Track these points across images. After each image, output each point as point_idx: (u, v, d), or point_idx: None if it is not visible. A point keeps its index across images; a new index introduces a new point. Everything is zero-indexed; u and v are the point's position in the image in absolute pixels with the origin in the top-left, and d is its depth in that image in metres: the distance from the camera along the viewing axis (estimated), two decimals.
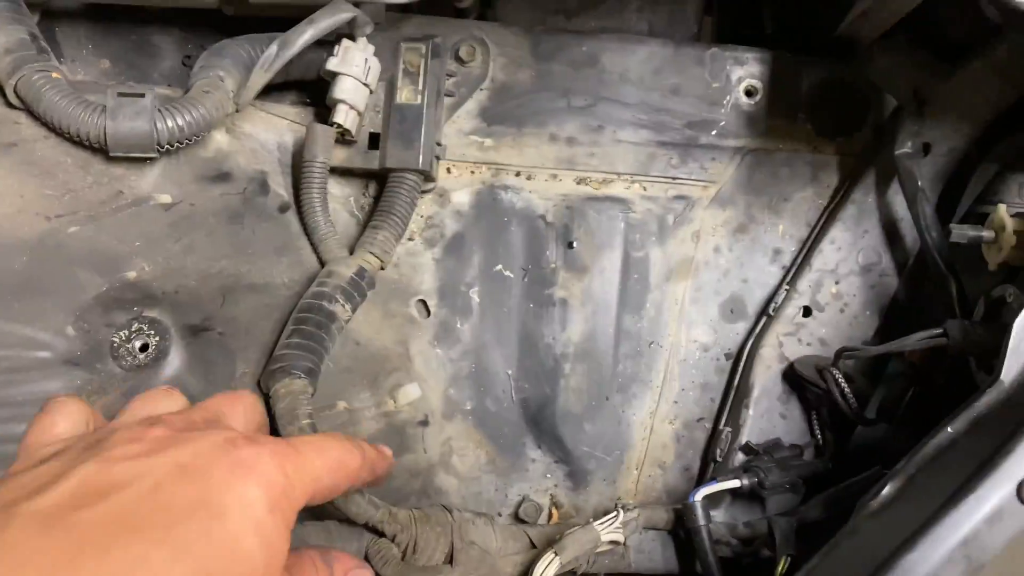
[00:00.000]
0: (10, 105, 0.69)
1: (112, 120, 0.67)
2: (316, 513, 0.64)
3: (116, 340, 0.63)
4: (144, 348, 0.64)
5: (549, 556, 0.64)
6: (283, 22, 0.77)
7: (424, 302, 0.83)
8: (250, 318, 0.69)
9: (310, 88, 0.83)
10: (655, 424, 0.84)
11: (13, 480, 0.39)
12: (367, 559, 0.63)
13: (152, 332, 0.63)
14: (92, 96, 0.68)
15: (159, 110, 0.68)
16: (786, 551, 0.63)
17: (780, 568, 0.61)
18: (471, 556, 0.65)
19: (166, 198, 0.71)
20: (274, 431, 0.64)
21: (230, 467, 0.41)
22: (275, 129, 0.82)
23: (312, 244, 0.78)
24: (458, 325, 0.84)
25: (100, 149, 0.68)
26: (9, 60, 0.68)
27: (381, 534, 0.64)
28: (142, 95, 0.68)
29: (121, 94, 0.68)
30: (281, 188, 0.80)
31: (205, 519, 0.38)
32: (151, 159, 0.71)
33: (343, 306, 0.72)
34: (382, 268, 0.79)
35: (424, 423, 0.80)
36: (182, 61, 0.88)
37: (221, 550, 0.38)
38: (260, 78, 0.75)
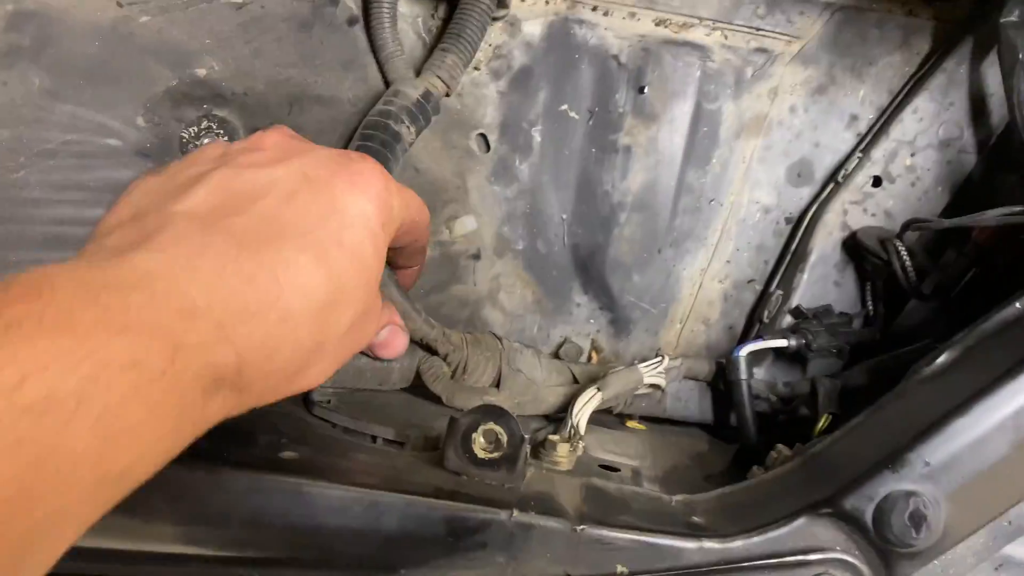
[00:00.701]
0: None
1: None
2: None
3: (185, 136, 0.63)
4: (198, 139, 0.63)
5: (592, 391, 0.66)
6: None
7: (485, 136, 0.82)
8: (316, 129, 0.68)
9: None
10: (704, 281, 0.84)
11: (147, 184, 0.42)
12: (418, 375, 0.65)
13: (221, 131, 0.63)
14: None
15: None
16: (828, 409, 0.64)
17: (821, 425, 0.62)
18: (517, 382, 0.67)
19: None
20: None
21: (350, 178, 0.44)
22: None
23: (378, 62, 0.76)
24: (517, 163, 0.82)
25: None
26: None
27: (434, 352, 0.65)
28: None
29: None
30: (350, 1, 0.77)
31: (336, 228, 0.42)
32: None
33: (408, 128, 0.71)
34: (447, 94, 0.77)
35: (476, 256, 0.81)
36: None
37: (351, 256, 0.42)
38: None
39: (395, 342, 0.58)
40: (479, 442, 0.52)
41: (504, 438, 0.52)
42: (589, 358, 0.84)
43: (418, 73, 0.76)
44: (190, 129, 0.63)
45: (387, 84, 0.76)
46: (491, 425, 0.52)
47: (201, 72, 0.64)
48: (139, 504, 0.40)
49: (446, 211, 0.78)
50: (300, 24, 0.72)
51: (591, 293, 0.84)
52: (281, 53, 0.69)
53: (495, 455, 0.52)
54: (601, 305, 0.84)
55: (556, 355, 0.83)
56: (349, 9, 0.76)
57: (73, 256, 0.37)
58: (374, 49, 0.76)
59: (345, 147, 0.71)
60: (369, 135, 0.69)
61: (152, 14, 0.64)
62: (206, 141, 0.63)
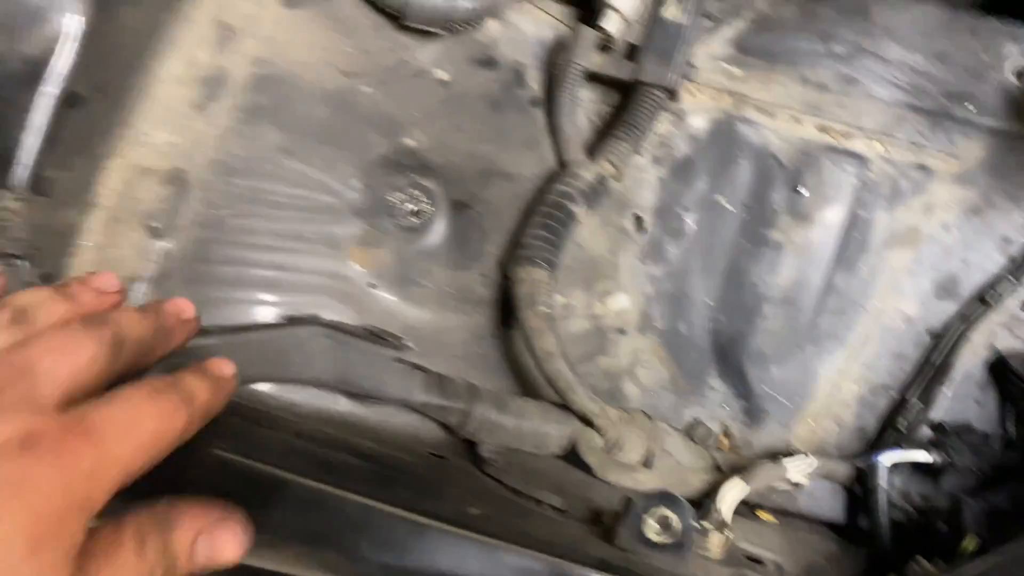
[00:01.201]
0: None
1: None
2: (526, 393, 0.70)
3: (393, 200, 0.68)
4: (416, 213, 0.69)
5: (738, 481, 0.69)
6: None
7: (640, 217, 0.86)
8: (501, 203, 0.73)
9: None
10: (842, 382, 0.86)
11: None
12: (573, 445, 0.69)
13: (425, 199, 0.68)
14: None
15: None
16: (975, 530, 0.65)
17: (968, 546, 0.63)
18: (665, 464, 0.70)
19: (443, 74, 0.75)
20: (513, 313, 0.69)
21: None
22: (537, 23, 0.83)
23: (555, 142, 0.81)
24: (668, 246, 0.86)
25: (395, 16, 0.72)
26: None
27: (591, 425, 0.69)
28: None
29: None
30: (534, 83, 0.82)
31: None
32: (436, 34, 0.74)
33: (582, 208, 0.75)
34: (616, 178, 0.81)
35: (622, 331, 0.85)
36: None
37: None
38: None
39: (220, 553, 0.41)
40: (652, 525, 0.55)
41: (677, 525, 0.55)
42: (718, 443, 0.86)
43: (590, 155, 0.81)
44: (398, 194, 0.68)
45: (561, 164, 0.81)
46: (665, 511, 0.55)
47: (410, 142, 0.69)
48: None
49: (600, 286, 0.82)
50: (492, 103, 0.78)
51: (727, 379, 0.87)
52: (476, 129, 0.74)
53: (666, 540, 0.55)
54: (736, 392, 0.87)
55: (688, 435, 0.86)
56: (532, 90, 0.82)
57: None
58: (552, 129, 0.81)
59: (525, 221, 0.76)
60: (549, 213, 0.74)
61: (372, 85, 0.70)
62: (410, 208, 0.68)
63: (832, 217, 0.84)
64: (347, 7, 0.71)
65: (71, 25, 0.55)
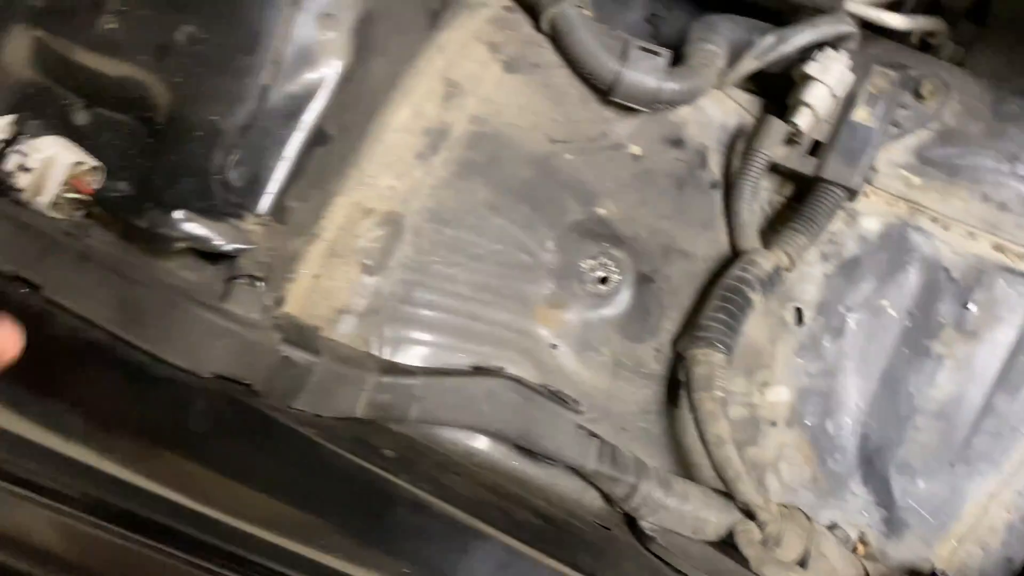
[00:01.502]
0: (538, 29, 0.76)
1: (628, 69, 0.73)
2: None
3: (584, 266, 0.70)
4: (604, 280, 0.70)
5: None
6: (758, 11, 0.81)
7: (800, 310, 0.86)
8: (678, 281, 0.74)
9: (759, 76, 0.86)
10: (991, 506, 0.83)
11: None
12: (731, 534, 0.68)
13: (614, 268, 0.70)
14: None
15: (667, 72, 0.73)
16: None
17: None
18: (820, 567, 0.69)
19: (636, 149, 0.77)
20: (681, 392, 0.70)
21: None
22: (723, 109, 0.85)
23: (729, 226, 0.82)
24: (826, 343, 0.86)
25: (602, 91, 0.74)
26: None
27: (751, 517, 0.68)
28: (658, 54, 0.74)
29: (642, 48, 0.74)
30: (715, 166, 0.84)
31: None
32: (636, 111, 0.77)
33: (758, 295, 0.76)
34: (788, 270, 0.82)
35: (773, 423, 0.84)
36: (646, 18, 0.93)
37: None
38: (750, 65, 0.78)
39: None
40: None
41: None
42: (854, 549, 0.84)
43: (764, 243, 0.81)
44: (589, 261, 0.70)
45: (733, 248, 0.82)
46: None
47: (602, 211, 0.71)
48: None
49: (759, 375, 0.82)
50: (677, 181, 0.79)
51: (870, 485, 0.85)
52: (661, 205, 0.76)
53: None
54: (878, 500, 0.85)
55: None
56: (713, 174, 0.83)
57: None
58: (729, 213, 0.82)
59: (699, 301, 0.76)
60: (729, 297, 0.74)
61: (574, 153, 0.72)
62: (599, 275, 0.70)
63: (1001, 337, 0.83)
64: (559, 77, 0.74)
65: (333, 69, 0.59)
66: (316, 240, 0.64)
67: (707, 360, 0.70)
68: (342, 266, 0.65)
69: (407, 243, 0.67)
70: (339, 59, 0.59)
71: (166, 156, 0.59)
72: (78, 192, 0.55)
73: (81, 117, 0.62)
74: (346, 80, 0.60)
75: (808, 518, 0.70)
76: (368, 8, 0.59)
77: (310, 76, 0.59)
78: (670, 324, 0.74)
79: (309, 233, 0.63)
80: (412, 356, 0.65)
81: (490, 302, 0.67)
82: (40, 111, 0.62)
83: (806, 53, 0.80)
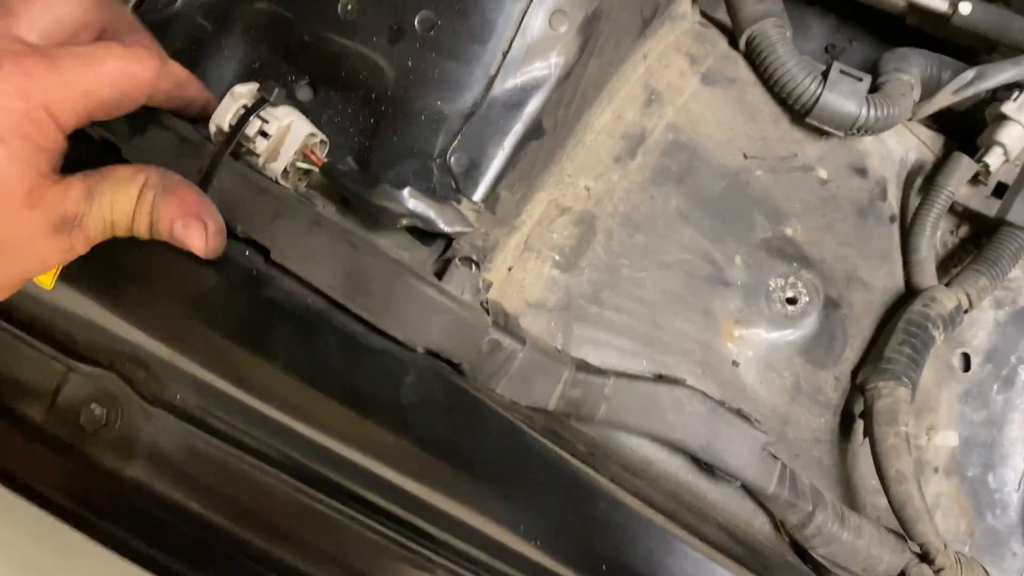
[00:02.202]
0: (733, 45, 0.76)
1: (829, 92, 0.72)
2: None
3: (772, 285, 0.69)
4: (792, 301, 0.69)
5: None
6: (947, 46, 0.79)
7: (968, 356, 0.83)
8: (859, 310, 0.72)
9: (941, 112, 0.84)
10: None
11: None
12: (902, 574, 0.65)
13: (803, 290, 0.68)
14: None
15: (867, 98, 0.72)
16: None
17: None
18: None
19: (824, 173, 0.76)
20: (855, 422, 0.68)
21: None
22: (903, 142, 0.83)
23: (906, 261, 0.80)
24: (993, 393, 0.82)
25: (795, 110, 0.74)
26: (758, 9, 0.74)
27: (927, 561, 0.65)
28: (860, 79, 0.73)
29: (843, 71, 0.73)
30: (894, 199, 0.82)
31: None
32: (827, 134, 0.75)
33: (940, 334, 0.73)
34: (967, 311, 0.79)
35: (936, 469, 0.81)
36: (825, 47, 0.92)
37: None
38: (946, 99, 0.76)
39: (191, 239, 0.49)
40: None
41: None
42: None
43: (942, 281, 0.79)
44: (777, 280, 0.69)
45: (908, 284, 0.79)
46: None
47: (789, 231, 0.70)
48: None
49: (925, 419, 0.79)
50: (859, 210, 0.78)
51: None
52: (844, 232, 0.74)
53: None
54: None
55: None
56: (891, 207, 0.81)
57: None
58: (906, 249, 0.80)
59: (877, 334, 0.74)
60: (914, 332, 0.72)
61: (764, 170, 0.71)
62: (787, 295, 0.69)
63: None
64: (754, 93, 0.74)
65: (557, 64, 0.60)
66: (514, 232, 0.65)
67: (892, 394, 0.67)
68: (535, 260, 0.66)
69: (598, 244, 0.67)
70: (564, 56, 0.60)
71: (389, 136, 0.60)
72: (309, 162, 0.56)
73: (304, 93, 0.64)
74: (566, 77, 0.60)
75: (986, 572, 0.67)
76: (597, 7, 0.60)
77: (536, 69, 0.59)
78: (851, 353, 0.72)
79: (510, 224, 0.64)
80: (594, 357, 0.64)
81: (676, 312, 0.67)
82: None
83: (997, 92, 0.78)
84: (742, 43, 0.75)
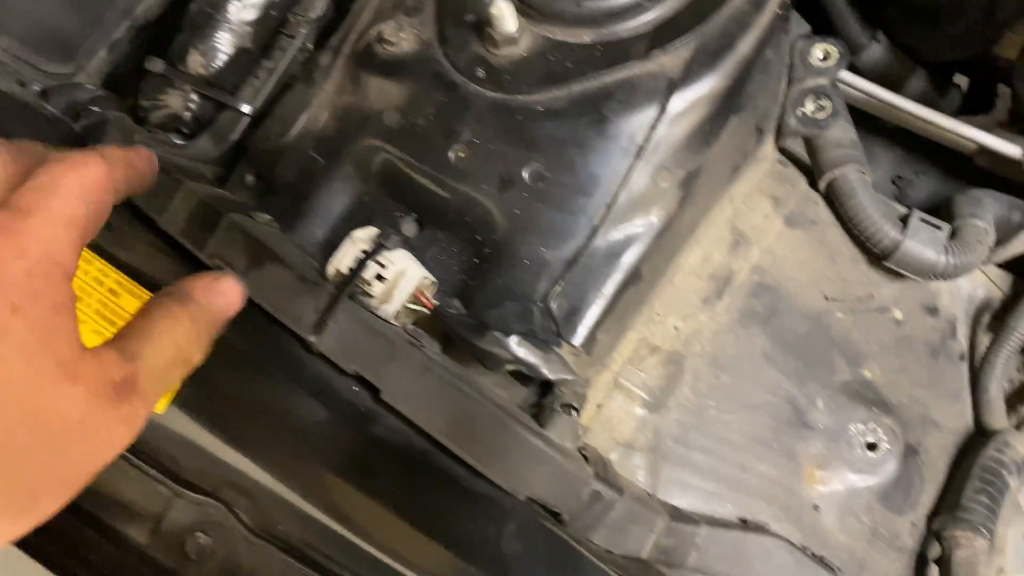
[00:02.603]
0: (812, 185, 0.79)
1: (909, 239, 0.74)
2: None
3: (853, 429, 0.70)
4: (872, 447, 0.70)
5: None
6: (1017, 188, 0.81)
7: None
8: (935, 454, 0.73)
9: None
10: None
11: None
12: None
13: (884, 437, 0.69)
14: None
15: (945, 246, 0.74)
16: None
17: None
18: None
19: (899, 314, 0.77)
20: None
21: None
22: (972, 280, 0.85)
23: (976, 401, 0.81)
24: None
25: (876, 254, 0.76)
26: (840, 154, 0.77)
27: None
28: (939, 227, 0.75)
29: (923, 219, 0.75)
30: (962, 337, 0.83)
31: None
32: (903, 277, 0.77)
33: (1014, 480, 0.74)
34: None
35: None
36: (892, 179, 0.95)
37: None
38: (1022, 246, 0.78)
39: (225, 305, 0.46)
40: None
41: None
42: None
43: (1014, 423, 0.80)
44: (858, 425, 0.70)
45: (978, 424, 0.80)
46: None
47: (867, 374, 0.71)
48: None
49: (994, 561, 0.79)
50: (931, 350, 0.79)
51: None
52: (917, 373, 0.75)
53: None
54: None
55: None
56: (961, 345, 0.83)
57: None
58: (976, 388, 0.81)
59: (952, 479, 0.75)
60: (988, 479, 0.73)
61: (844, 312, 0.73)
62: (867, 440, 0.70)
63: None
64: (833, 234, 0.76)
65: (657, 217, 0.62)
66: (603, 370, 0.67)
67: (971, 544, 0.68)
68: (624, 398, 0.67)
69: (686, 385, 0.68)
70: (665, 209, 0.62)
71: (492, 278, 0.62)
72: (420, 304, 0.58)
73: (409, 228, 0.67)
74: (666, 228, 0.63)
75: None
76: (699, 163, 0.62)
77: (637, 222, 0.62)
78: (927, 498, 0.73)
79: (601, 363, 0.65)
80: (683, 499, 0.65)
81: (760, 454, 0.68)
82: (372, 218, 0.67)
83: None
84: (823, 185, 0.77)
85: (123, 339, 0.40)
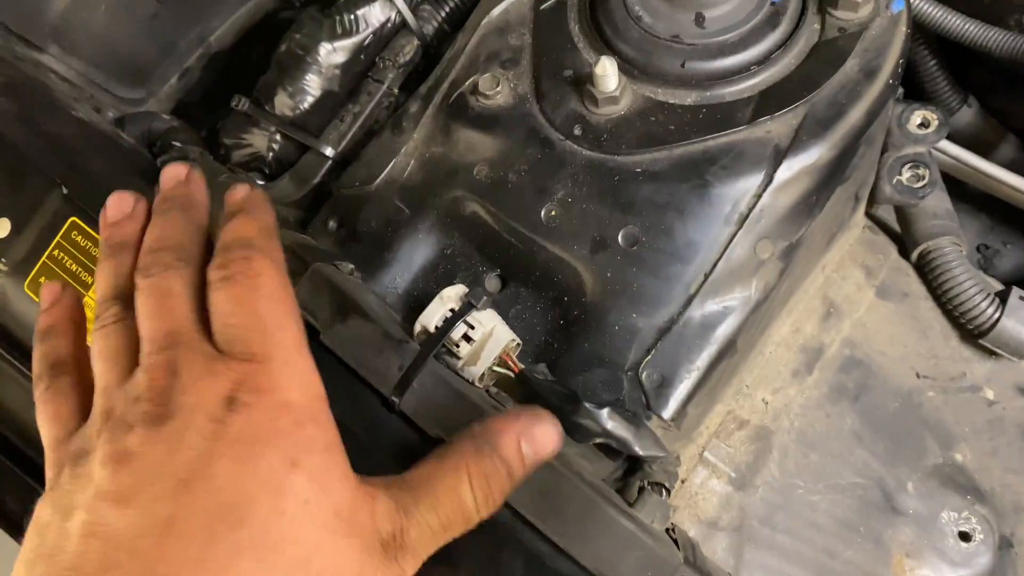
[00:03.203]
0: (903, 254, 0.76)
1: (1007, 318, 0.70)
2: None
3: (945, 517, 0.66)
4: (965, 537, 0.66)
5: None
6: None
7: None
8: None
9: None
10: None
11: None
12: None
13: (978, 527, 0.66)
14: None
15: None
16: None
17: None
18: None
19: (991, 394, 0.74)
20: None
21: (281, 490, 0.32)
22: None
23: None
24: None
25: (965, 328, 0.73)
26: (935, 225, 0.74)
27: None
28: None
29: (1023, 298, 0.72)
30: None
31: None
32: (996, 355, 0.74)
33: None
34: None
35: None
36: (977, 247, 0.92)
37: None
38: None
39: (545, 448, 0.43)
40: None
41: None
42: None
43: None
44: (951, 513, 0.66)
45: None
46: None
47: (959, 457, 0.68)
48: None
49: None
50: (1022, 432, 0.75)
51: None
52: (1009, 457, 0.72)
53: None
54: None
55: None
56: None
57: None
58: None
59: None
60: None
61: (936, 391, 0.70)
62: (960, 529, 0.66)
63: None
64: (925, 308, 0.73)
65: (756, 289, 0.60)
66: (690, 444, 0.64)
67: None
68: (709, 474, 0.65)
69: (773, 462, 0.66)
70: (764, 281, 0.60)
71: (579, 342, 0.60)
72: (506, 367, 0.56)
73: (492, 284, 0.65)
74: (763, 300, 0.60)
75: None
76: (801, 234, 0.60)
77: (736, 293, 0.59)
78: None
79: (688, 437, 0.63)
80: None
81: (848, 540, 0.65)
82: (455, 271, 0.65)
83: None
84: (915, 256, 0.75)
85: (404, 485, 0.39)
